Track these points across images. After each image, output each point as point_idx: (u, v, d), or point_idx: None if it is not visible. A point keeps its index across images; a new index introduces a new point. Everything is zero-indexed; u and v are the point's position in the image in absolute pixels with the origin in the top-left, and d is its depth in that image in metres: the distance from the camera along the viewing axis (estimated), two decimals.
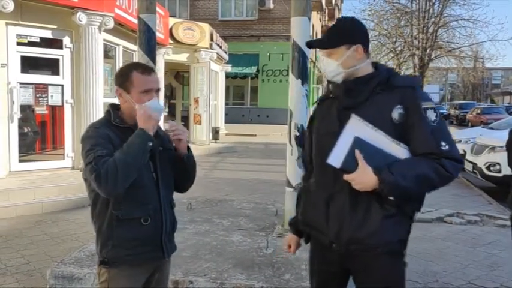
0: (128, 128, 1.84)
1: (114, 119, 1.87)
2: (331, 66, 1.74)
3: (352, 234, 1.66)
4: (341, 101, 1.73)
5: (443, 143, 1.60)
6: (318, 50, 1.90)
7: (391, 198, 1.62)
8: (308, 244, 1.96)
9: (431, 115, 1.62)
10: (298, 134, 4.00)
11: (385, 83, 1.69)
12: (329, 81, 1.82)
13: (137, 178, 1.77)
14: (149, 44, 4.01)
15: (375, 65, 1.78)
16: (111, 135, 1.80)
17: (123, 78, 1.86)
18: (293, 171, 4.06)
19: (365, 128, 1.62)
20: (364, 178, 1.59)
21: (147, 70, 1.87)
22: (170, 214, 1.96)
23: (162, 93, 11.03)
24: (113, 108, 1.92)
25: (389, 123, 1.62)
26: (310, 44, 1.90)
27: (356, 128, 1.63)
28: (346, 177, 1.61)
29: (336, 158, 1.63)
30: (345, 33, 1.74)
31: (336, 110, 1.74)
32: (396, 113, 1.62)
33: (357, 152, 1.60)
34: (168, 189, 1.95)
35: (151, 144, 1.75)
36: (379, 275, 1.70)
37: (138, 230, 1.83)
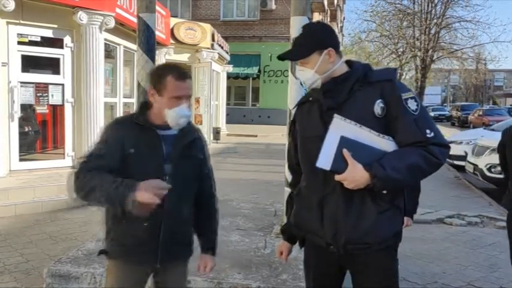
0: (148, 128, 1.85)
1: (137, 117, 1.88)
2: (307, 74, 1.74)
3: (348, 235, 1.66)
4: (322, 103, 1.72)
5: (427, 131, 1.61)
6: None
7: (384, 192, 1.63)
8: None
9: (412, 105, 1.63)
10: None
11: (363, 79, 1.69)
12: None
13: (143, 176, 1.72)
14: (148, 43, 4.00)
15: (350, 63, 1.79)
16: (126, 134, 1.83)
17: (158, 80, 1.85)
18: None
19: (349, 126, 1.63)
20: (355, 176, 1.58)
21: (183, 76, 1.85)
22: (174, 223, 1.88)
23: None
24: (142, 106, 1.93)
25: (373, 118, 1.64)
26: (282, 57, 1.84)
27: (340, 127, 1.63)
28: (337, 177, 1.61)
29: (324, 160, 1.62)
30: (314, 40, 1.73)
31: (318, 112, 1.74)
32: (378, 107, 1.64)
33: (345, 151, 1.60)
34: (179, 198, 1.87)
35: (129, 207, 1.64)
36: (377, 271, 1.72)
37: (138, 228, 1.83)
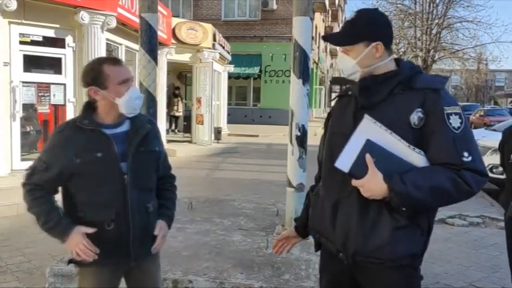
0: (95, 131, 1.77)
1: (81, 120, 1.79)
2: (347, 64, 1.61)
3: (358, 246, 1.54)
4: (357, 100, 1.59)
5: (465, 154, 1.44)
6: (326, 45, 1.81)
7: (403, 208, 1.49)
8: (308, 245, 1.92)
9: (455, 121, 1.46)
10: (299, 134, 3.99)
11: (407, 83, 1.53)
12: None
13: (100, 181, 1.76)
14: (150, 42, 4.01)
15: (398, 61, 1.63)
16: (71, 143, 1.75)
17: (94, 75, 1.76)
18: (294, 171, 4.05)
19: (378, 131, 1.49)
20: (373, 185, 1.45)
21: (117, 61, 1.82)
22: (141, 219, 1.85)
23: (164, 92, 11.04)
24: (86, 108, 1.83)
25: (407, 127, 1.48)
26: (327, 39, 1.74)
27: (368, 129, 1.50)
28: (354, 182, 1.49)
29: (344, 161, 1.51)
30: (364, 29, 1.57)
31: (353, 109, 1.60)
32: (415, 116, 1.47)
33: (368, 156, 1.47)
34: (142, 193, 1.86)
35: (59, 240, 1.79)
36: None
37: (101, 233, 1.78)
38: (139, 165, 1.83)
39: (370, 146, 1.49)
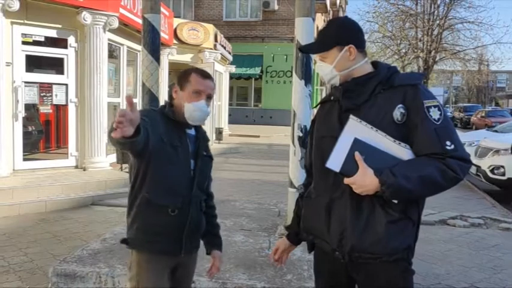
0: (175, 121, 1.94)
1: (167, 111, 1.96)
2: (325, 69, 1.71)
3: (355, 242, 1.58)
4: (341, 103, 1.67)
5: (448, 142, 1.51)
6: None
7: (395, 201, 1.55)
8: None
9: (435, 113, 1.54)
10: (301, 134, 4.00)
11: (386, 82, 1.62)
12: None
13: (174, 167, 1.89)
14: (153, 43, 4.02)
15: (376, 64, 1.72)
16: (160, 123, 1.89)
17: (182, 77, 1.98)
18: (296, 172, 4.05)
19: (364, 129, 1.56)
20: (364, 181, 1.51)
21: (206, 74, 1.99)
22: (197, 214, 2.00)
23: (166, 92, 11.05)
24: (167, 102, 2.03)
25: (392, 124, 1.56)
26: (302, 49, 1.85)
27: (355, 129, 1.57)
28: (346, 180, 1.55)
29: (335, 161, 1.57)
30: (335, 34, 1.69)
31: (337, 112, 1.68)
32: (398, 112, 1.55)
33: (357, 154, 1.54)
34: (201, 191, 2.02)
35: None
36: (385, 286, 1.61)
37: (164, 218, 1.88)
38: (203, 166, 2.01)
39: (358, 144, 1.55)
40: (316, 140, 1.78)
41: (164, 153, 1.86)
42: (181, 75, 2.00)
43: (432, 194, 1.56)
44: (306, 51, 1.87)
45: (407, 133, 1.56)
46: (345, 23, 1.73)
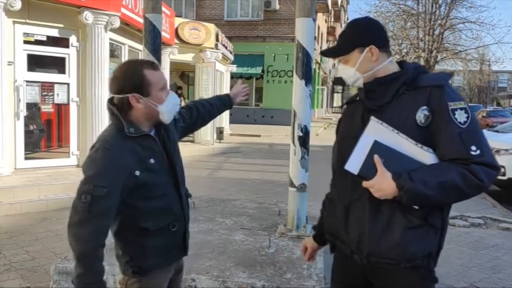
0: (143, 136, 1.67)
1: (128, 128, 1.65)
2: (348, 72, 1.67)
3: (372, 246, 1.55)
4: (364, 104, 1.63)
5: (473, 147, 1.43)
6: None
7: (416, 207, 1.49)
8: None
9: (461, 116, 1.46)
10: (301, 134, 4.01)
11: (411, 82, 1.55)
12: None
13: (159, 190, 1.73)
14: (154, 43, 4.03)
15: (402, 63, 1.67)
16: (126, 158, 1.61)
17: (136, 80, 1.64)
18: (296, 171, 4.06)
19: (385, 131, 1.50)
20: (382, 185, 1.46)
21: (155, 65, 1.74)
22: (187, 209, 1.93)
23: None
24: (122, 115, 1.67)
25: (414, 127, 1.49)
26: (324, 53, 1.82)
27: (375, 131, 1.52)
28: (364, 184, 1.51)
29: (354, 163, 1.53)
30: (355, 36, 1.64)
31: (361, 113, 1.64)
32: (421, 115, 1.48)
33: (376, 157, 1.48)
34: (183, 185, 1.90)
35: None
36: None
37: (168, 236, 1.80)
38: (178, 159, 1.85)
39: (378, 147, 1.50)
40: (339, 139, 1.76)
41: (144, 183, 1.67)
42: (134, 77, 1.64)
43: (455, 201, 1.50)
44: (327, 55, 1.82)
45: (430, 137, 1.49)
46: (364, 24, 1.68)
